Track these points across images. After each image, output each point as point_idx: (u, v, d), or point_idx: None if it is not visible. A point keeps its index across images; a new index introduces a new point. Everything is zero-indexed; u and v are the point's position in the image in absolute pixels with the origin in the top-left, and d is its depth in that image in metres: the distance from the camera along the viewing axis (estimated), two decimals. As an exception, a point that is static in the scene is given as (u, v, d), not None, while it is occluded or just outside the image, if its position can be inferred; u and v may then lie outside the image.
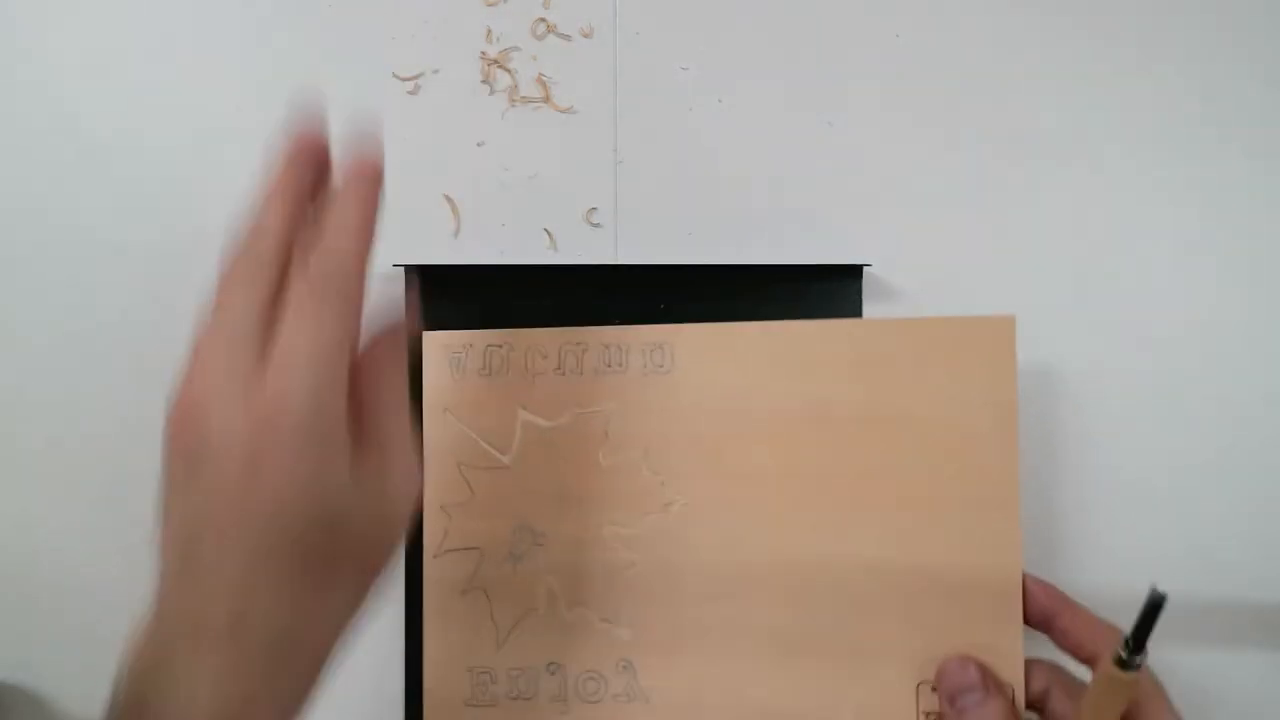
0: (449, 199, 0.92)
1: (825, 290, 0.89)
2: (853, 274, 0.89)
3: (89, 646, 0.92)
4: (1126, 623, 0.60)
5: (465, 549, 0.74)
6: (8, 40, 0.92)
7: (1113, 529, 0.89)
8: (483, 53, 0.92)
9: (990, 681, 0.61)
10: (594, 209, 0.91)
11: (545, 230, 0.91)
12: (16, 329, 0.91)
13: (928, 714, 0.64)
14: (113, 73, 0.92)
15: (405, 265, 0.90)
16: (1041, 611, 0.65)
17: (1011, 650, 0.61)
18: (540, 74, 0.91)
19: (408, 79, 0.92)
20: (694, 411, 0.66)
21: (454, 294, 0.88)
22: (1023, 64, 0.90)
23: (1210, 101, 0.90)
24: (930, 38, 0.90)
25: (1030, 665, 0.66)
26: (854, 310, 0.89)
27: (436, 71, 0.92)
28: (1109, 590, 0.89)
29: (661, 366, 0.70)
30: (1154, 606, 0.53)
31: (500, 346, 0.75)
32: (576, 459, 0.70)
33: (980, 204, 0.90)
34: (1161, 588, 0.53)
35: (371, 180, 0.45)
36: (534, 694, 0.70)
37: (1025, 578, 0.66)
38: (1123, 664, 0.57)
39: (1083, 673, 0.69)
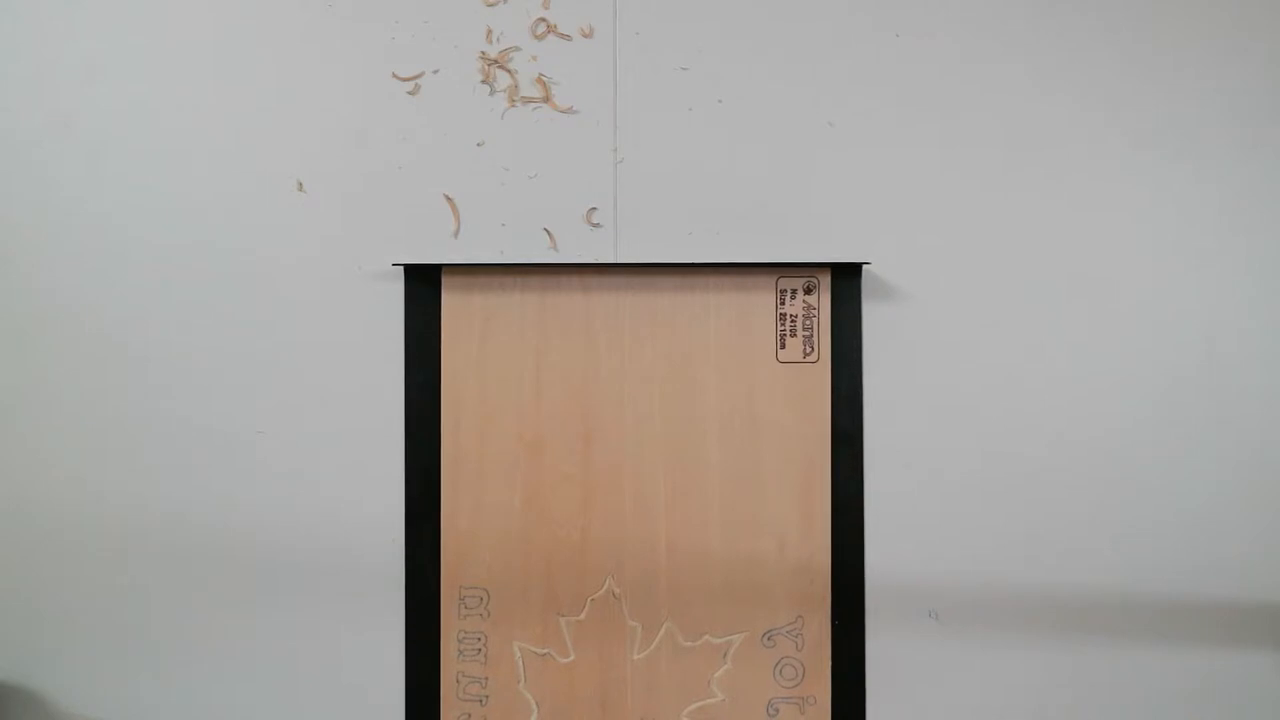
0: (449, 199, 0.92)
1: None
2: (853, 273, 0.90)
3: (89, 646, 0.92)
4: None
5: None
6: (8, 40, 0.93)
7: (1113, 527, 0.90)
8: (483, 53, 0.92)
9: None
10: (594, 209, 0.91)
11: (545, 230, 0.91)
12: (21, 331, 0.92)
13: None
14: (114, 74, 0.92)
15: (405, 265, 0.90)
16: None
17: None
18: (540, 74, 0.91)
19: (408, 79, 0.92)
20: None
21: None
22: (1022, 64, 0.90)
23: (1210, 104, 0.90)
24: (930, 37, 0.91)
25: None
26: (854, 308, 0.91)
27: (436, 71, 0.92)
28: (1104, 588, 0.89)
29: None
30: None
31: None
32: None
33: (980, 204, 0.90)
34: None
35: None
36: None
37: None
38: None
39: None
